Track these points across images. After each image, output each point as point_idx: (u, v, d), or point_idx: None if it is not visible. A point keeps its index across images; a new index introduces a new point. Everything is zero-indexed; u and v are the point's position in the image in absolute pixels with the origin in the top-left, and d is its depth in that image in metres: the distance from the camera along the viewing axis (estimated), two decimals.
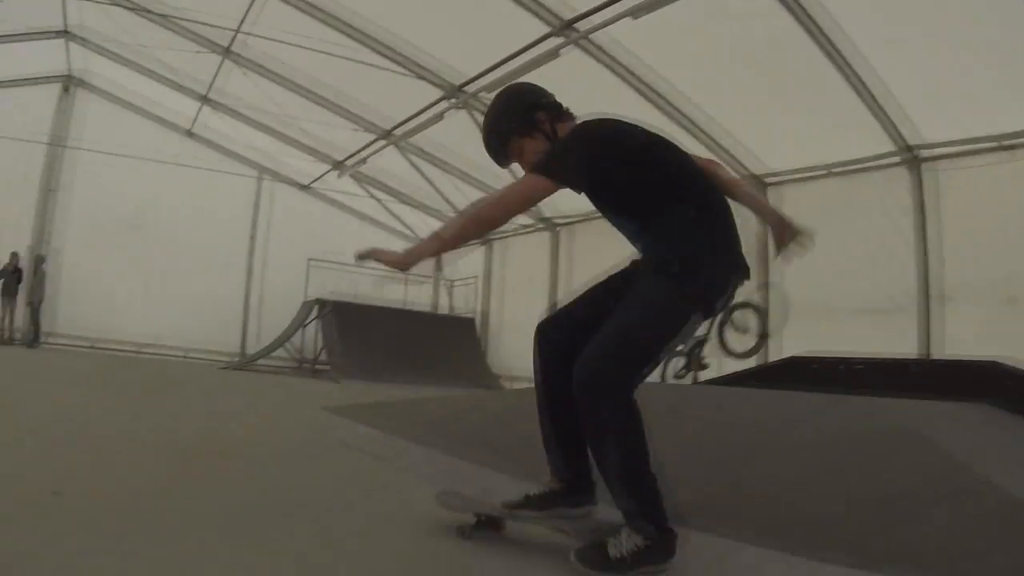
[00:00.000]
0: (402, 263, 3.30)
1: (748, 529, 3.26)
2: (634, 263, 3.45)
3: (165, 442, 5.30)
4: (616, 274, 3.51)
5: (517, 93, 3.64)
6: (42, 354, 16.06)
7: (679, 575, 2.99)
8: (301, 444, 6.23)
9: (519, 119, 3.48)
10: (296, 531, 3.29)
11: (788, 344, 12.57)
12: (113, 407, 7.63)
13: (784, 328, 12.15)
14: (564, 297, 18.93)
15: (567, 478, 3.40)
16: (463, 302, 23.46)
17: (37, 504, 3.17)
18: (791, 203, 13.55)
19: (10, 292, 17.77)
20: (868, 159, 12.55)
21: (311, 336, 20.34)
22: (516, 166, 3.58)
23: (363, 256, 3.35)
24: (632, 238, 3.45)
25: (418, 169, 19.22)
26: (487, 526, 3.50)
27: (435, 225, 22.13)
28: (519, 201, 3.28)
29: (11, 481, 3.63)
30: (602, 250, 15.16)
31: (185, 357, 20.25)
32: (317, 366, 19.87)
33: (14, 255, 17.77)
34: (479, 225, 3.39)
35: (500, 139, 3.51)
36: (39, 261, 18.38)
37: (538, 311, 16.89)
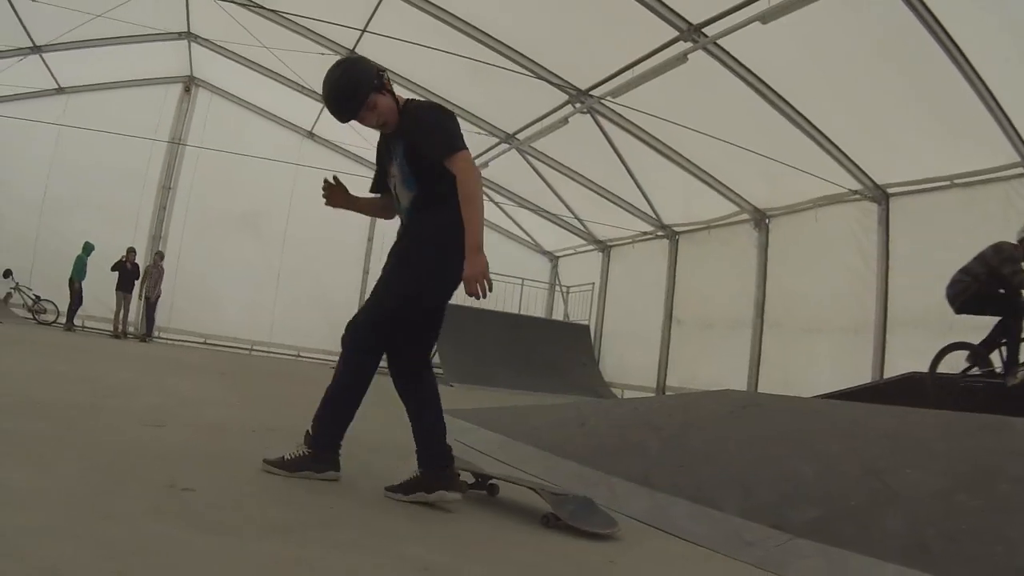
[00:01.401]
0: (482, 272, 3.86)
1: (890, 546, 3.06)
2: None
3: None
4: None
5: (363, 60, 4.29)
6: (156, 348, 16.65)
7: None
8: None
9: (376, 79, 3.98)
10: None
11: (905, 360, 12.19)
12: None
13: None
14: (677, 305, 18.80)
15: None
16: (578, 309, 23.32)
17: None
18: (910, 214, 13.15)
19: (126, 287, 18.18)
20: (990, 170, 11.89)
21: None
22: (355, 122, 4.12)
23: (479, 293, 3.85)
24: (409, 209, 4.08)
25: (539, 174, 19.26)
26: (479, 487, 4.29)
27: (548, 227, 22.48)
28: (476, 170, 4.02)
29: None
30: (720, 258, 15.10)
31: (297, 356, 20.63)
32: None
33: (131, 251, 18.27)
34: (480, 208, 3.95)
35: (363, 94, 3.95)
36: (158, 258, 18.93)
37: (654, 319, 16.95)
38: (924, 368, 9.33)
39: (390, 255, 4.17)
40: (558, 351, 20.44)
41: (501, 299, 22.42)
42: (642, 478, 4.53)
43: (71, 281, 17.67)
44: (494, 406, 8.90)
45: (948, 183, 12.45)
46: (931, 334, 12.15)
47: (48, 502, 2.78)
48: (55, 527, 2.50)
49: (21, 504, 2.71)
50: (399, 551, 2.87)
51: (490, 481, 4.32)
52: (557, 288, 24.82)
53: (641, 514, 3.97)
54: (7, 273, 17.69)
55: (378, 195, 4.45)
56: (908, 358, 12.24)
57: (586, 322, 22.48)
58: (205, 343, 20.10)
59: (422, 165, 3.98)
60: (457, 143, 3.93)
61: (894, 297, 13.19)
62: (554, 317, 24.26)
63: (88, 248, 17.86)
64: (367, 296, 4.22)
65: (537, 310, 24.10)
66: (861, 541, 3.04)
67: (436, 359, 19.46)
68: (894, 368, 12.55)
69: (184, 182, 20.05)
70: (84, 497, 2.93)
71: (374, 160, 4.46)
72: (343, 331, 4.02)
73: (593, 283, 22.74)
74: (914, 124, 11.71)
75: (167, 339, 19.42)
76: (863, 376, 12.91)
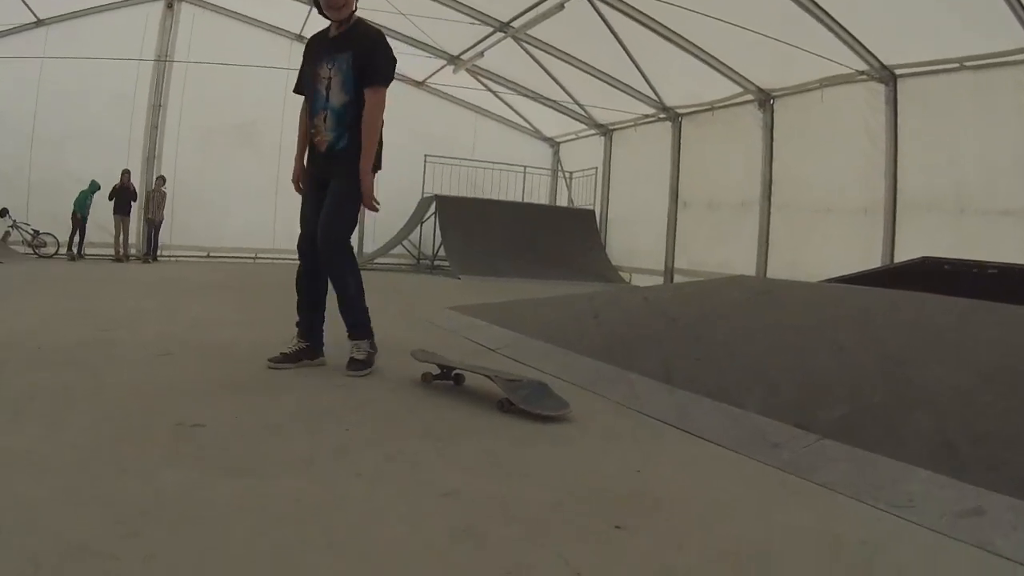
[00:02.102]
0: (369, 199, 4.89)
1: (916, 449, 2.98)
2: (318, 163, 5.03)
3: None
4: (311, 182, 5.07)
5: None
6: (160, 268, 16.52)
7: (842, 497, 2.84)
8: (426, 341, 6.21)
9: None
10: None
11: (915, 243, 12.12)
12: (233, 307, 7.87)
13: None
14: (682, 187, 18.61)
15: (309, 338, 4.98)
16: (582, 195, 23.14)
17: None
18: (919, 96, 12.83)
19: (123, 210, 17.91)
20: (1001, 54, 11.48)
21: (428, 233, 20.40)
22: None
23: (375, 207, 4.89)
24: (340, 110, 4.83)
25: (537, 61, 18.84)
26: (445, 377, 4.61)
27: (548, 113, 22.09)
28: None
29: None
30: (725, 140, 14.85)
31: None
32: (436, 263, 20.02)
33: (125, 172, 17.87)
34: (378, 137, 4.94)
35: None
36: (160, 182, 18.59)
37: (659, 202, 16.76)
38: (935, 252, 9.22)
39: (324, 164, 4.97)
40: (564, 238, 20.35)
41: (503, 188, 22.24)
42: (661, 374, 4.51)
43: (73, 214, 17.50)
44: (503, 300, 8.88)
45: (958, 65, 12.09)
46: (942, 217, 12.09)
47: (63, 463, 2.75)
48: (73, 490, 2.48)
49: (37, 468, 2.68)
50: (421, 477, 2.86)
51: (454, 372, 4.60)
52: (560, 174, 24.58)
53: (663, 413, 3.95)
54: (3, 212, 17.33)
55: (302, 97, 5.14)
56: (919, 240, 12.22)
57: (591, 207, 22.33)
58: (208, 256, 19.96)
59: (360, 78, 4.78)
60: (390, 80, 4.90)
61: (904, 179, 13.00)
62: (558, 204, 24.09)
63: (94, 186, 17.63)
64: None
65: (541, 197, 23.92)
66: (888, 443, 2.97)
67: (442, 252, 19.53)
68: (905, 251, 12.49)
69: (174, 100, 19.36)
70: (97, 452, 2.90)
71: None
72: (323, 250, 4.85)
73: (596, 168, 22.47)
74: (922, 4, 11.32)
75: (170, 256, 19.24)
76: (873, 259, 12.86)
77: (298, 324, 5.00)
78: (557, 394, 4.08)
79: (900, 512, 2.62)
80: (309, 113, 4.99)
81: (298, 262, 5.02)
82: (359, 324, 4.93)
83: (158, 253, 18.62)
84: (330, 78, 4.80)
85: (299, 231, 4.99)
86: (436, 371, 4.60)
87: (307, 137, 5.03)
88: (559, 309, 7.18)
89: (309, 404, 3.94)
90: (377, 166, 4.96)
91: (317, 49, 4.97)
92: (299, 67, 5.15)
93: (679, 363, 4.67)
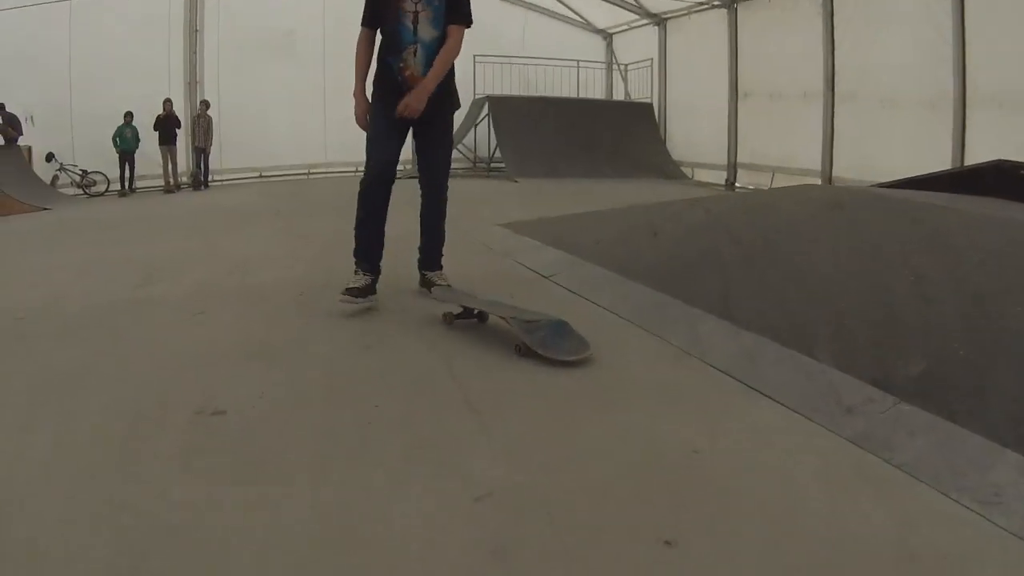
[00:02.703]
0: (417, 105, 4.82)
1: (1005, 424, 2.58)
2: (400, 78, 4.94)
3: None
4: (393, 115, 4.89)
5: None
6: (211, 195, 16.39)
7: (922, 487, 2.51)
8: (477, 271, 6.05)
9: None
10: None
11: (987, 142, 11.48)
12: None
13: None
14: (742, 78, 17.88)
15: (377, 271, 4.98)
16: (638, 87, 22.47)
17: None
18: None
19: (169, 139, 17.68)
20: None
21: (483, 135, 20.01)
22: None
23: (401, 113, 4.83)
24: (430, 44, 4.89)
25: None
26: (467, 316, 4.52)
27: (598, 3, 21.24)
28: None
29: None
30: (784, 26, 14.10)
31: (357, 171, 19.70)
32: (492, 165, 19.71)
33: (167, 102, 17.56)
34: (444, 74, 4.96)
35: None
36: (204, 107, 18.21)
37: (719, 93, 16.11)
38: (1009, 153, 8.69)
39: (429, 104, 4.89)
40: (622, 133, 19.88)
41: (557, 84, 21.65)
42: (724, 308, 4.26)
43: (121, 152, 17.36)
44: (559, 210, 8.60)
45: None
46: (1017, 110, 11.39)
47: (69, 469, 2.63)
48: (76, 505, 2.36)
49: (41, 476, 2.57)
50: (451, 471, 2.64)
51: (476, 311, 4.51)
52: (615, 67, 23.87)
53: (727, 363, 3.69)
54: (49, 156, 17.16)
55: (372, 33, 5.00)
56: (991, 136, 11.59)
57: (648, 100, 21.70)
58: (261, 177, 19.76)
59: (448, 12, 4.88)
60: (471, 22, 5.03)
61: (972, 70, 12.23)
62: (614, 98, 23.46)
63: (128, 118, 17.34)
64: None
65: (596, 92, 23.27)
66: (974, 412, 2.66)
67: (498, 154, 19.17)
68: (976, 151, 11.88)
69: (210, 21, 18.77)
70: (107, 454, 2.75)
71: None
72: (437, 189, 5.21)
73: (652, 59, 21.74)
74: None
75: (223, 181, 19.06)
76: (943, 155, 12.25)
77: (362, 255, 4.96)
78: (578, 334, 3.99)
79: (985, 510, 2.30)
80: (388, 47, 4.93)
81: (364, 188, 4.96)
82: (440, 255, 5.32)
83: (209, 179, 18.54)
84: (417, 11, 4.82)
85: (367, 157, 4.95)
86: (458, 310, 4.54)
87: (368, 69, 5.01)
88: (616, 224, 6.92)
89: (337, 371, 3.76)
90: (456, 104, 5.22)
91: None
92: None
93: (743, 293, 4.42)
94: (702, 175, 19.45)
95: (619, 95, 23.46)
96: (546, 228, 7.16)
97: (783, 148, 16.63)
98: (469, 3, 4.99)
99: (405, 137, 5.06)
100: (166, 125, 17.59)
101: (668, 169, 19.47)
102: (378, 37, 4.98)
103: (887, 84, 13.73)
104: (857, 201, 6.12)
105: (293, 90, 19.47)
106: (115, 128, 17.29)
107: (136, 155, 17.60)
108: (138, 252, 7.65)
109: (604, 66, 23.89)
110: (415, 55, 4.84)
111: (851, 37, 14.67)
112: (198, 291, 5.57)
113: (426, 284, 5.18)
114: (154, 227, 10.30)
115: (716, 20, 18.68)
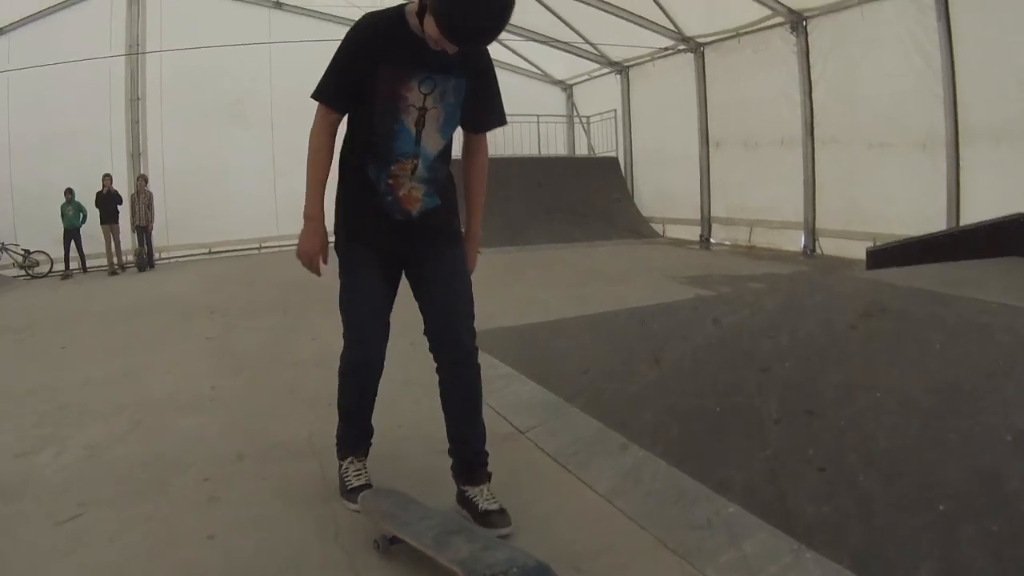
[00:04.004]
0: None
1: None
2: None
3: None
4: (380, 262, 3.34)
5: None
6: (153, 278, 15.15)
7: None
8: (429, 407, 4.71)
9: None
10: None
11: (984, 181, 10.50)
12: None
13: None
14: (712, 126, 16.87)
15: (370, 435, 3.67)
16: (602, 141, 21.43)
17: None
18: (975, 9, 10.97)
19: (110, 218, 16.46)
20: None
21: None
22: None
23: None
24: (427, 180, 3.26)
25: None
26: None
27: (556, 55, 20.16)
28: None
29: None
30: (755, 69, 13.10)
31: None
32: None
33: (106, 177, 16.41)
34: None
35: None
36: (142, 182, 16.98)
37: (688, 143, 15.08)
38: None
39: (416, 232, 3.31)
40: (589, 191, 18.91)
41: (517, 140, 20.55)
42: (778, 509, 3.03)
43: (66, 231, 16.27)
44: (533, 299, 7.36)
45: None
46: (1015, 146, 10.40)
47: None
48: None
49: None
50: None
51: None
52: (576, 119, 22.87)
53: None
54: None
55: (337, 120, 3.30)
56: (988, 174, 10.63)
57: (613, 154, 20.68)
58: (210, 253, 18.62)
59: (470, 116, 3.32)
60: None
61: (965, 105, 11.23)
62: (577, 153, 22.41)
63: (69, 194, 16.25)
64: None
65: (557, 147, 22.21)
66: None
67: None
68: (973, 190, 10.91)
69: (152, 90, 17.67)
70: None
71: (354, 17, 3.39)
72: (465, 348, 3.34)
73: (615, 109, 20.78)
74: None
75: (169, 258, 17.86)
76: (937, 198, 11.29)
77: (351, 444, 3.58)
78: None
79: None
80: (373, 153, 3.20)
81: (347, 374, 3.48)
82: (487, 455, 3.43)
83: (154, 259, 17.27)
84: (425, 108, 3.15)
85: (347, 329, 3.40)
86: (389, 536, 3.01)
87: (327, 176, 3.27)
88: (606, 342, 5.69)
89: None
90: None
91: (397, 52, 3.10)
92: (338, 62, 3.20)
93: (797, 478, 3.20)
94: (674, 231, 18.46)
95: (582, 149, 22.44)
96: (519, 344, 5.88)
97: (761, 199, 15.65)
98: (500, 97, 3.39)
99: (396, 290, 3.41)
100: (107, 202, 16.49)
101: (639, 227, 18.48)
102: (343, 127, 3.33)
103: (872, 123, 12.77)
104: (899, 300, 4.97)
105: (241, 160, 18.45)
106: (59, 206, 16.29)
107: (83, 232, 16.49)
108: (44, 379, 6.30)
109: (565, 119, 22.90)
110: (414, 172, 3.20)
111: (829, 74, 13.75)
112: (82, 471, 4.13)
113: (469, 507, 3.28)
114: (75, 334, 8.86)
115: (682, 65, 17.75)
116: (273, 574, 2.92)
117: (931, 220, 10.88)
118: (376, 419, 3.59)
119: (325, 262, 3.34)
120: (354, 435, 3.58)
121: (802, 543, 2.81)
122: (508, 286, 8.91)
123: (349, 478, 3.50)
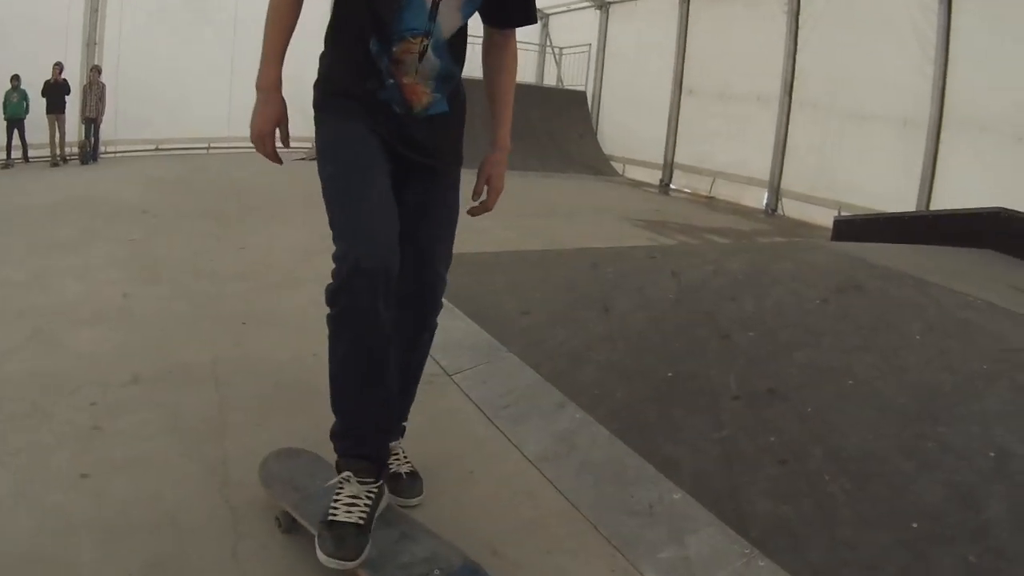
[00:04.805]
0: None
1: None
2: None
3: None
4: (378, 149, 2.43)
5: None
6: (94, 173, 14.12)
7: None
8: None
9: None
10: None
11: (961, 168, 10.23)
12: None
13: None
14: (688, 73, 16.37)
15: (383, 462, 2.47)
16: (572, 74, 20.77)
17: None
18: None
19: (57, 107, 15.42)
20: None
21: None
22: None
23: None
24: (438, 70, 2.47)
25: None
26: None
27: None
28: None
29: None
30: (741, 23, 12.58)
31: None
32: None
33: (57, 66, 15.34)
34: None
35: None
36: (95, 73, 15.94)
37: (661, 88, 14.62)
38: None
39: (419, 132, 2.50)
40: (552, 122, 18.28)
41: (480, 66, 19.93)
42: (724, 498, 2.64)
43: (8, 120, 15.15)
44: (480, 227, 6.84)
45: None
46: (999, 141, 10.11)
47: None
48: None
49: None
50: None
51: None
52: (549, 50, 22.13)
53: None
54: None
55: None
56: (966, 163, 10.37)
57: (582, 88, 20.07)
58: (157, 150, 17.59)
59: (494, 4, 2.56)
60: None
61: (954, 91, 10.91)
62: (545, 83, 21.73)
63: (15, 80, 15.08)
64: None
65: (526, 75, 21.48)
66: None
67: None
68: (948, 176, 10.67)
69: None
70: None
71: None
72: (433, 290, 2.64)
73: (590, 44, 20.12)
74: None
75: (114, 152, 16.79)
76: (911, 178, 11.01)
77: (352, 436, 2.40)
78: None
79: None
80: (376, 24, 2.37)
81: (344, 299, 2.29)
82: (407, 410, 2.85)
83: (99, 152, 16.31)
84: None
85: (337, 229, 2.32)
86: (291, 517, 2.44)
87: (289, 39, 2.49)
88: (552, 283, 5.22)
89: None
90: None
91: None
92: None
93: (755, 467, 2.81)
94: (634, 173, 18.03)
95: (551, 80, 21.75)
96: (455, 273, 5.24)
97: (728, 152, 15.28)
98: None
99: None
100: (55, 92, 15.37)
101: (599, 165, 18.01)
102: None
103: (854, 92, 12.39)
104: (875, 278, 4.61)
105: (199, 58, 17.31)
106: (2, 93, 15.16)
107: (27, 122, 15.31)
108: None
109: (537, 48, 22.14)
110: (423, 55, 2.41)
111: (817, 38, 13.27)
112: None
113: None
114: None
115: (666, 9, 17.17)
116: (145, 528, 2.43)
117: (901, 198, 10.64)
118: (288, 343, 3.06)
119: (284, 143, 2.48)
120: (354, 419, 2.41)
121: (755, 547, 2.42)
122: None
123: (337, 506, 2.26)
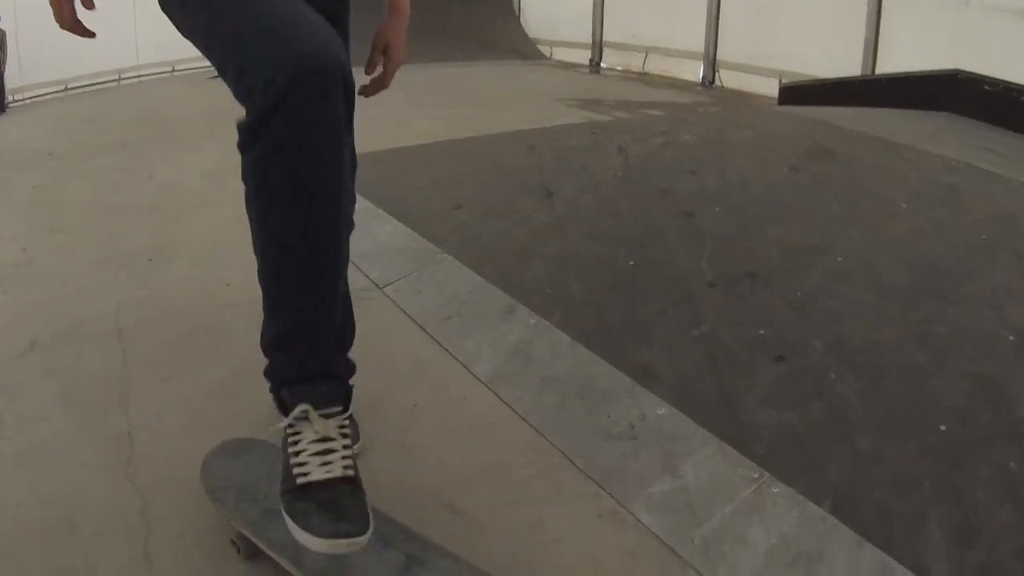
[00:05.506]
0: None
1: None
2: None
3: None
4: None
5: None
6: (3, 122, 13.05)
7: None
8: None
9: None
10: None
11: (903, 35, 9.76)
12: None
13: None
14: None
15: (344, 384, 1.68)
16: None
17: None
18: None
19: None
20: None
21: None
22: None
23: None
24: None
25: None
26: None
27: None
28: None
29: None
30: None
31: (172, 72, 16.62)
32: None
33: None
34: None
35: None
36: None
37: None
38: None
39: None
40: (471, 7, 17.42)
41: None
42: (716, 409, 2.20)
43: None
44: (404, 122, 6.27)
45: None
46: (942, 6, 9.60)
47: None
48: None
49: None
50: None
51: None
52: None
53: None
54: None
55: None
56: (909, 31, 9.85)
57: None
58: (66, 90, 16.30)
59: None
60: None
61: None
62: None
63: None
64: None
65: None
66: None
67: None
68: (891, 38, 10.15)
69: None
70: None
71: None
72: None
73: None
74: None
75: (23, 100, 15.61)
76: (852, 42, 10.45)
77: (319, 356, 1.62)
78: None
79: None
80: None
81: (267, 132, 1.42)
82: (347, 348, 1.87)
83: (6, 103, 15.11)
84: None
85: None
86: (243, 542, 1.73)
87: None
88: (487, 172, 4.67)
89: None
90: None
91: None
92: None
93: (748, 368, 2.38)
94: (562, 54, 17.23)
95: None
96: (379, 173, 4.61)
97: (660, 27, 14.58)
98: None
99: None
100: None
101: (525, 49, 17.22)
102: None
103: None
104: (845, 144, 4.17)
105: None
106: None
107: None
108: None
109: None
110: None
111: None
112: None
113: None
114: None
115: None
116: (41, 539, 1.90)
117: (843, 66, 10.12)
118: (199, 276, 2.45)
119: (88, 4, 1.88)
120: (308, 338, 1.61)
121: (764, 469, 1.99)
122: (369, 107, 7.68)
123: (305, 460, 1.49)
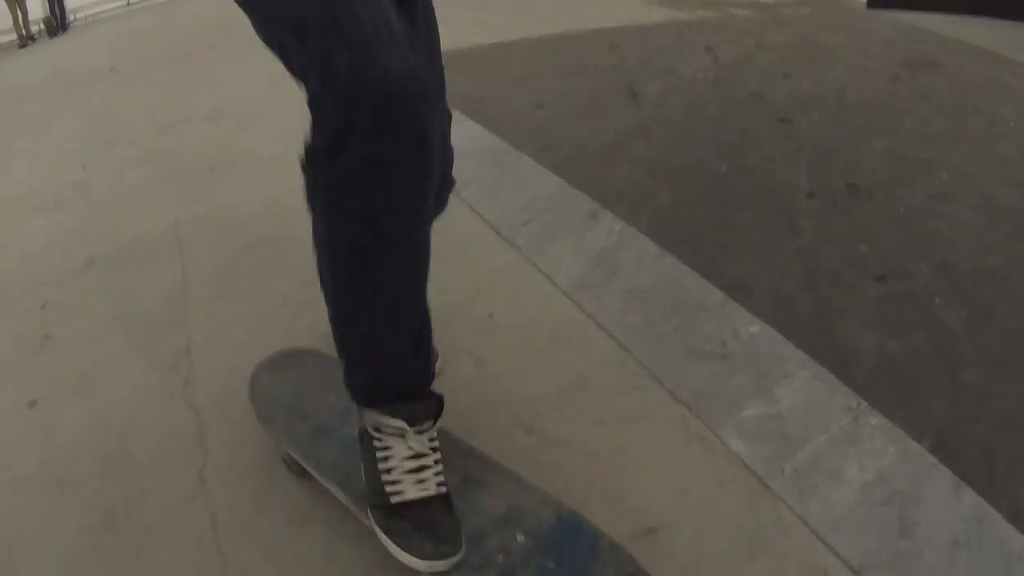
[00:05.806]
0: None
1: None
2: None
3: None
4: None
5: None
6: (60, 46, 12.75)
7: None
8: None
9: None
10: None
11: None
12: None
13: None
14: None
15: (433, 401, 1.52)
16: None
17: None
18: None
19: None
20: None
21: None
22: None
23: None
24: None
25: None
26: None
27: None
28: None
29: None
30: None
31: None
32: None
33: None
34: None
35: None
36: None
37: None
38: None
39: None
40: None
41: None
42: (813, 331, 2.09)
43: None
44: (465, 23, 6.00)
45: None
46: None
47: None
48: None
49: None
50: None
51: None
52: None
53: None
54: None
55: None
56: None
57: None
58: (128, 5, 16.10)
59: None
60: None
61: None
62: None
63: None
64: None
65: None
66: None
67: None
68: None
69: None
70: None
71: None
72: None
73: None
74: None
75: (85, 18, 15.41)
76: None
77: (409, 372, 1.51)
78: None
79: None
80: None
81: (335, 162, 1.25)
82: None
83: (68, 22, 14.92)
84: None
85: (317, 55, 1.19)
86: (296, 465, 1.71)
87: None
88: (564, 69, 4.49)
89: None
90: None
91: None
92: None
93: (848, 288, 2.25)
94: None
95: None
96: (454, 71, 4.50)
97: None
98: None
99: None
100: None
101: None
102: None
103: None
104: (954, 55, 3.93)
105: None
106: None
107: None
108: None
109: None
110: None
111: None
112: None
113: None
114: None
115: None
116: (96, 468, 1.89)
117: None
118: (258, 182, 2.37)
119: None
120: (395, 361, 1.48)
121: (862, 398, 1.89)
122: (444, 5, 7.37)
123: (399, 478, 1.44)
